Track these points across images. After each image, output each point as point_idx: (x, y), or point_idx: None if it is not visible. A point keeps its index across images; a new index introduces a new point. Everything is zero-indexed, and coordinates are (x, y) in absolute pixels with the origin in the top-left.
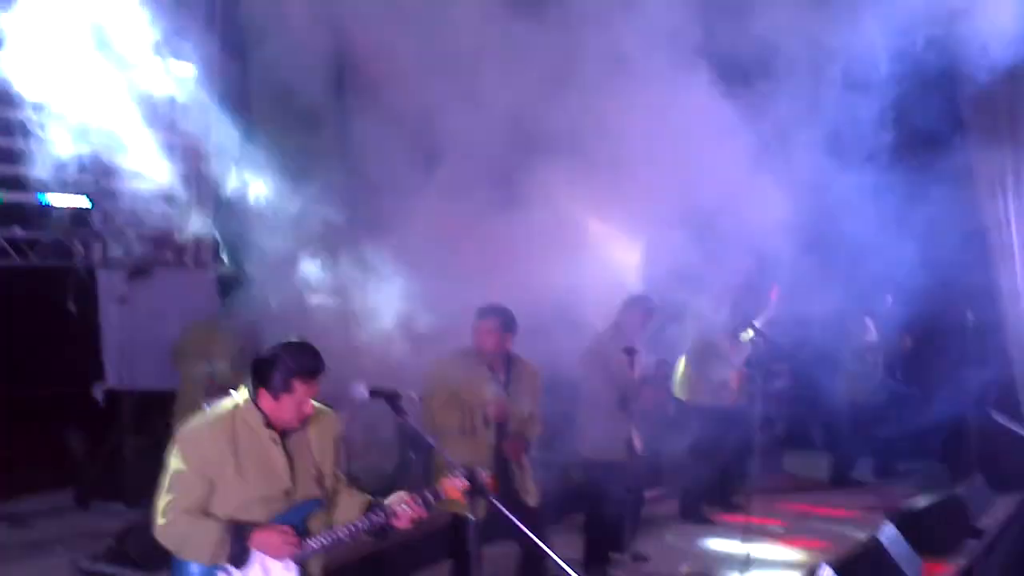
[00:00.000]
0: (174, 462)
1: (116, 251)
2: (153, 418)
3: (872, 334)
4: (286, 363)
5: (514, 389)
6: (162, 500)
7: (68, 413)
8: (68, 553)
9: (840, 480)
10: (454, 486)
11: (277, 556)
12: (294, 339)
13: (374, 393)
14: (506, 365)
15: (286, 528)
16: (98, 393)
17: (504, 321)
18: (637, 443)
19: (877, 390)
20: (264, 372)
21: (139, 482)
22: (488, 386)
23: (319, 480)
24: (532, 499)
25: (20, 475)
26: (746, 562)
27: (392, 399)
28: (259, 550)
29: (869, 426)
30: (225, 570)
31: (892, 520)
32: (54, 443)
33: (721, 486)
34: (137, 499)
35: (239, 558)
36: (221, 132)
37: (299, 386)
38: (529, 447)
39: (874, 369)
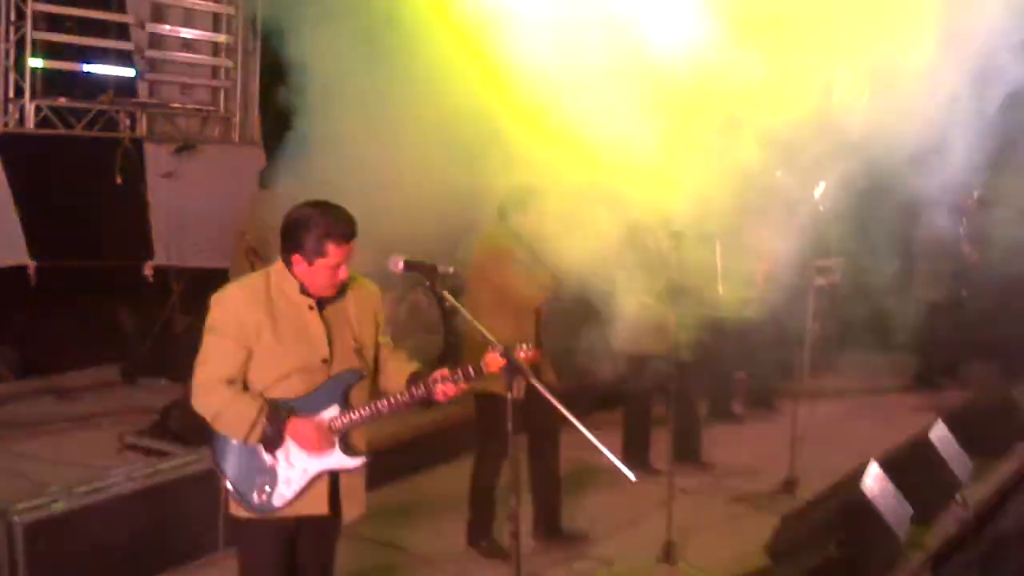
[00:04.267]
0: (209, 329)
1: (162, 124)
2: (202, 296)
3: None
4: (319, 225)
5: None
6: (199, 370)
7: (117, 289)
8: (113, 427)
9: (894, 377)
10: (494, 361)
11: (309, 450)
12: (324, 201)
13: (410, 266)
14: None
15: (323, 423)
16: (147, 270)
17: None
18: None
19: (942, 290)
20: (297, 235)
21: (186, 359)
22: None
23: (359, 351)
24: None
25: (68, 349)
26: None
27: (429, 272)
28: (292, 438)
29: (927, 325)
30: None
31: (943, 418)
32: (102, 318)
33: (758, 386)
34: (184, 376)
35: (272, 441)
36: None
37: (333, 249)
38: None
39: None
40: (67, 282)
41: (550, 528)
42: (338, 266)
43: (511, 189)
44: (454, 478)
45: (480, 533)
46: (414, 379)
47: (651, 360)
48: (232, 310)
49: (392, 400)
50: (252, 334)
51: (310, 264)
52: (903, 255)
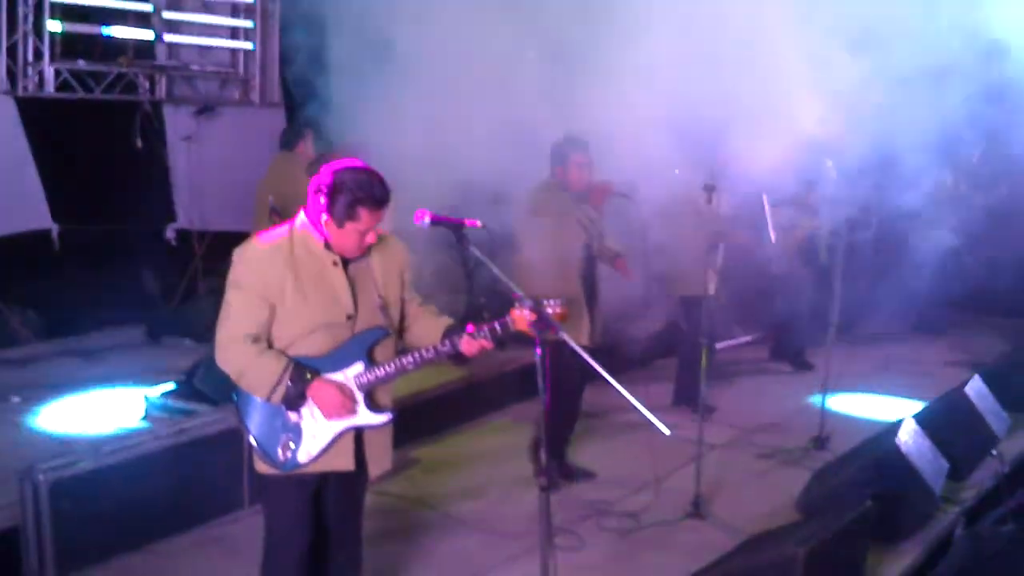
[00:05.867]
0: (232, 284)
1: (182, 87)
2: (224, 258)
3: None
4: (352, 189)
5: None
6: (223, 326)
7: (140, 252)
8: (138, 387)
9: (924, 329)
10: (523, 317)
11: (329, 415)
12: (360, 165)
13: (436, 222)
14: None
15: (348, 388)
16: (170, 233)
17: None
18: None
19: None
20: (330, 197)
21: (210, 320)
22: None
23: (384, 308)
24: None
25: (92, 312)
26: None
27: (456, 228)
28: (314, 400)
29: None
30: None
31: (980, 374)
32: (126, 281)
33: (790, 342)
34: (207, 337)
35: (294, 402)
36: None
37: (365, 214)
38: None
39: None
40: (90, 246)
41: (556, 458)
42: (367, 231)
43: (554, 144)
44: (480, 436)
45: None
46: (448, 333)
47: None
48: (255, 265)
49: (417, 356)
50: (275, 290)
51: (339, 227)
52: None
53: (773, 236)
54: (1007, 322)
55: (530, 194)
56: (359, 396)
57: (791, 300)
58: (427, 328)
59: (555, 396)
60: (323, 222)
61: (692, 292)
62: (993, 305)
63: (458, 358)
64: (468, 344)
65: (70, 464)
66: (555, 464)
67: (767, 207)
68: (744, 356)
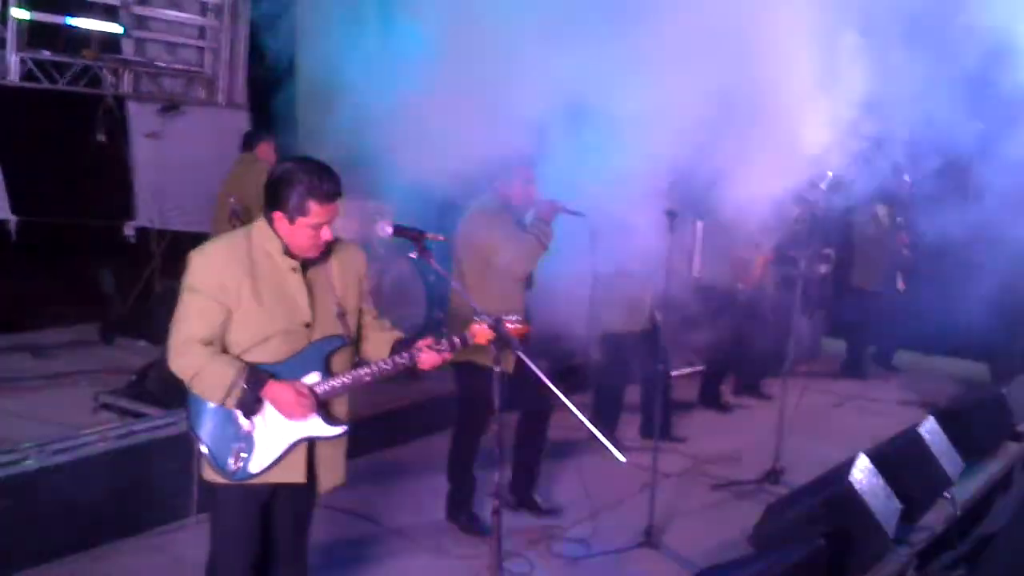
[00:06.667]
0: (188, 286)
1: (147, 83)
2: (183, 259)
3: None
4: (301, 182)
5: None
6: (176, 329)
7: (98, 248)
8: (89, 386)
9: (882, 367)
10: (482, 332)
11: (288, 415)
12: (310, 158)
13: (399, 231)
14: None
15: (304, 388)
16: (129, 231)
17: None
18: (658, 316)
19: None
20: (279, 192)
21: (165, 321)
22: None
23: (342, 316)
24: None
25: (46, 307)
26: None
27: (416, 238)
28: (271, 403)
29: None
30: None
31: (933, 415)
32: (82, 277)
33: (748, 373)
34: (162, 338)
35: (250, 406)
36: None
37: (315, 208)
38: None
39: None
40: (48, 239)
41: (524, 499)
42: (320, 226)
43: (499, 159)
44: (433, 451)
45: (459, 508)
46: (398, 347)
47: (626, 337)
48: (212, 269)
49: (375, 368)
50: (232, 294)
51: (291, 222)
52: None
53: (698, 265)
54: (958, 363)
55: (476, 214)
56: (314, 405)
57: (747, 330)
58: (380, 341)
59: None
60: (275, 219)
61: (623, 328)
62: (942, 345)
63: (411, 372)
64: (427, 357)
65: (14, 463)
66: (521, 501)
67: (698, 234)
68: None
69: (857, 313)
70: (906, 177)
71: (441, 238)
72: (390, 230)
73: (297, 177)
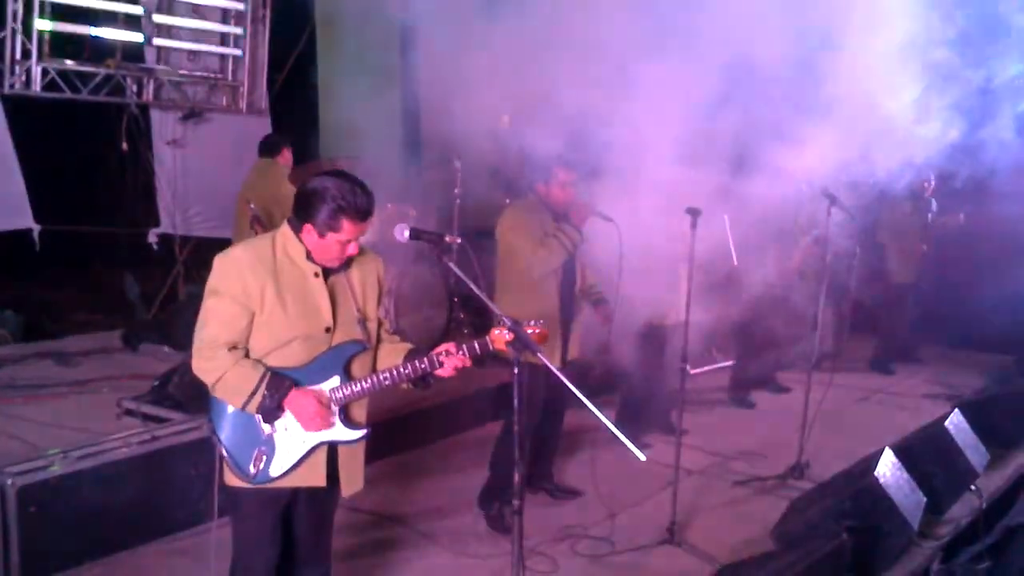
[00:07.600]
0: (211, 291)
1: (170, 91)
2: (206, 265)
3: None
4: (335, 199)
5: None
6: (200, 333)
7: (122, 255)
8: (113, 392)
9: (907, 360)
10: (501, 337)
11: (307, 425)
12: (346, 173)
13: (416, 234)
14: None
15: (325, 397)
16: (152, 237)
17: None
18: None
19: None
20: (312, 205)
21: (188, 327)
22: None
23: (362, 322)
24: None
25: (70, 314)
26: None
27: (436, 242)
28: (292, 412)
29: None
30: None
31: (959, 407)
32: (106, 284)
33: (767, 365)
34: (186, 344)
35: (271, 413)
36: None
37: (348, 225)
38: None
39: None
40: (71, 247)
41: (542, 478)
42: (349, 242)
43: (538, 161)
44: (455, 452)
45: (493, 497)
46: (413, 354)
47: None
48: (236, 273)
49: (394, 373)
50: (255, 298)
51: (321, 236)
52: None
53: (735, 259)
54: (984, 356)
55: (509, 212)
56: (335, 410)
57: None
58: (391, 352)
59: (531, 416)
60: (304, 231)
61: (658, 320)
62: (968, 338)
63: (426, 380)
64: (446, 362)
65: (39, 469)
66: (539, 479)
67: (728, 228)
68: (723, 382)
69: (886, 306)
70: (931, 176)
71: (458, 241)
72: (408, 234)
73: (331, 193)
